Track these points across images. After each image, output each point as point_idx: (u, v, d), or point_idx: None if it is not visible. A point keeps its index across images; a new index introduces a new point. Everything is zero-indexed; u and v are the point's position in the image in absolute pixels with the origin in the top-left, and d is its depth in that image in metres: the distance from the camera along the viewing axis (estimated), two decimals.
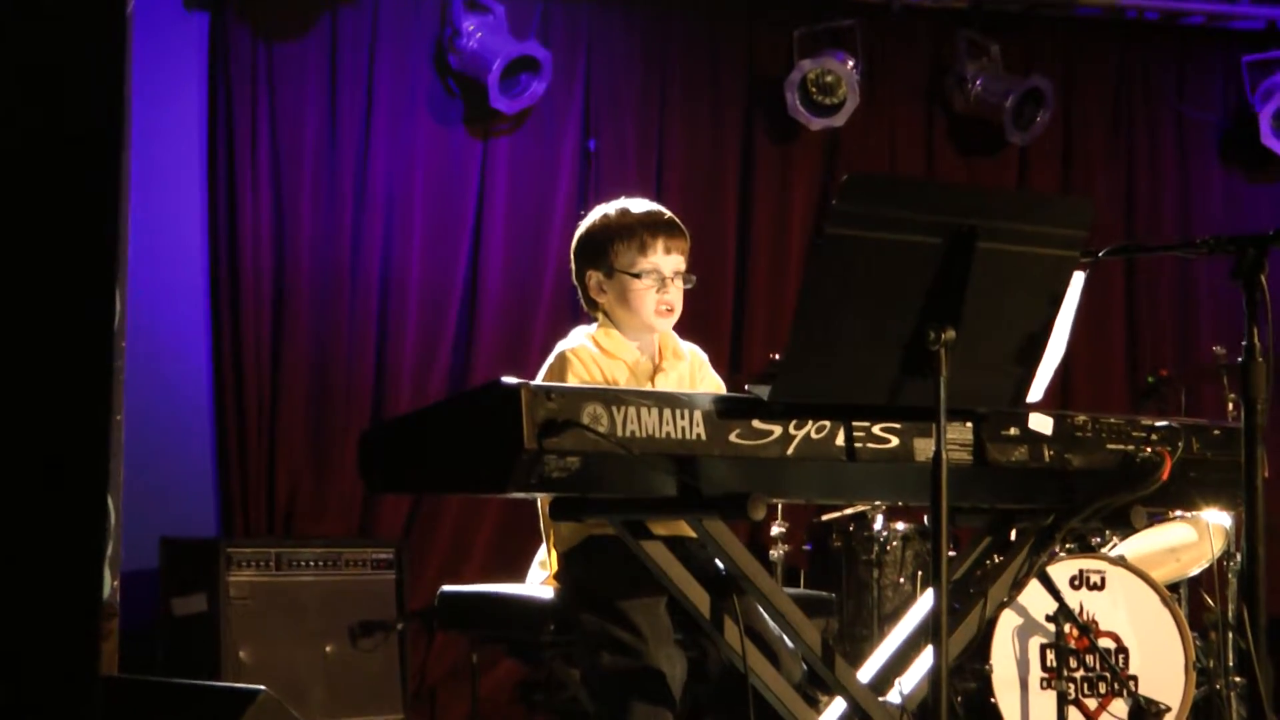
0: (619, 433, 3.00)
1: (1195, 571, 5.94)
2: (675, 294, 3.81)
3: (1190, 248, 3.52)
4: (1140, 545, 5.81)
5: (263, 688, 3.82)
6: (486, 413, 3.00)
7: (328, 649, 6.06)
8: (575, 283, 3.90)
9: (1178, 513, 5.75)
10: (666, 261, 3.80)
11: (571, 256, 3.90)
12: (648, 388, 3.72)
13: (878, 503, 6.14)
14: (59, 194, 2.28)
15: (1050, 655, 5.24)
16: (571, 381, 3.66)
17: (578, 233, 3.90)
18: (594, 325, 3.86)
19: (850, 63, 7.33)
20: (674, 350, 3.89)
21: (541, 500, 3.67)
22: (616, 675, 3.56)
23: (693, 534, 3.48)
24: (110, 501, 5.23)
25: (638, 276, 3.78)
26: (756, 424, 3.13)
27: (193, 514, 6.53)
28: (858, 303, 3.10)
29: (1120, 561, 5.46)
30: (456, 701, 6.71)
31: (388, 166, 6.87)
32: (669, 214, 3.87)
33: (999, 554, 3.74)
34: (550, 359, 3.78)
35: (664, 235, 3.81)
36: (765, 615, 3.55)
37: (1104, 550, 5.61)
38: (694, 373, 3.90)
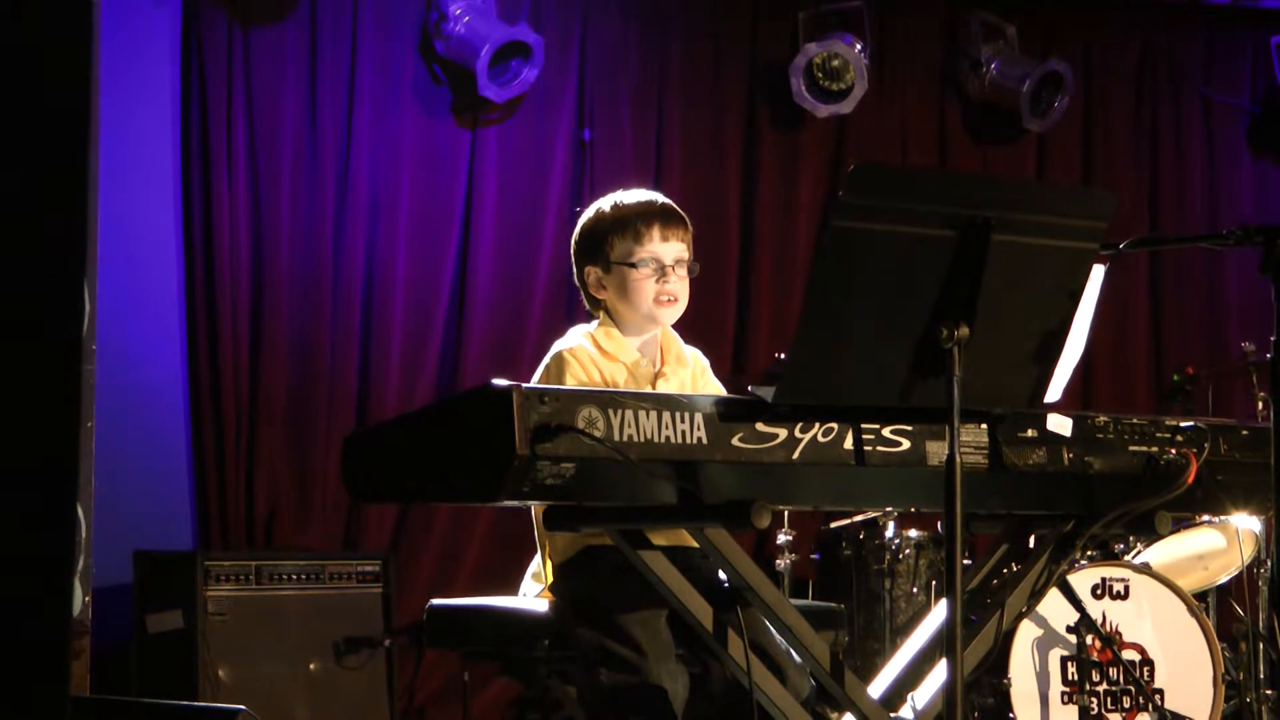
0: (616, 437, 3.01)
1: (1224, 579, 5.95)
2: (677, 284, 3.82)
3: (1217, 239, 3.53)
4: (1166, 552, 5.82)
5: (243, 708, 3.83)
6: (476, 417, 3.00)
7: (311, 667, 6.06)
8: (577, 283, 3.92)
9: (1205, 518, 5.76)
10: (665, 249, 3.81)
11: (571, 256, 3.92)
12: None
13: (889, 509, 6.14)
14: (22, 190, 2.28)
15: (1071, 668, 5.25)
16: (569, 383, 3.67)
17: (575, 231, 3.92)
18: (593, 324, 3.87)
19: (858, 46, 7.33)
20: (677, 355, 3.89)
21: (535, 509, 3.67)
22: (615, 693, 3.56)
23: (694, 543, 3.49)
24: (80, 513, 5.24)
25: (634, 266, 3.79)
26: (760, 427, 3.13)
27: (168, 526, 6.53)
28: (866, 299, 3.10)
29: (1145, 569, 5.47)
30: None
31: (371, 158, 6.87)
32: (665, 200, 3.88)
33: (1016, 562, 3.75)
34: (546, 359, 3.79)
35: (659, 222, 3.82)
36: (771, 628, 3.55)
37: (1127, 558, 5.62)
38: (695, 379, 3.91)
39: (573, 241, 3.92)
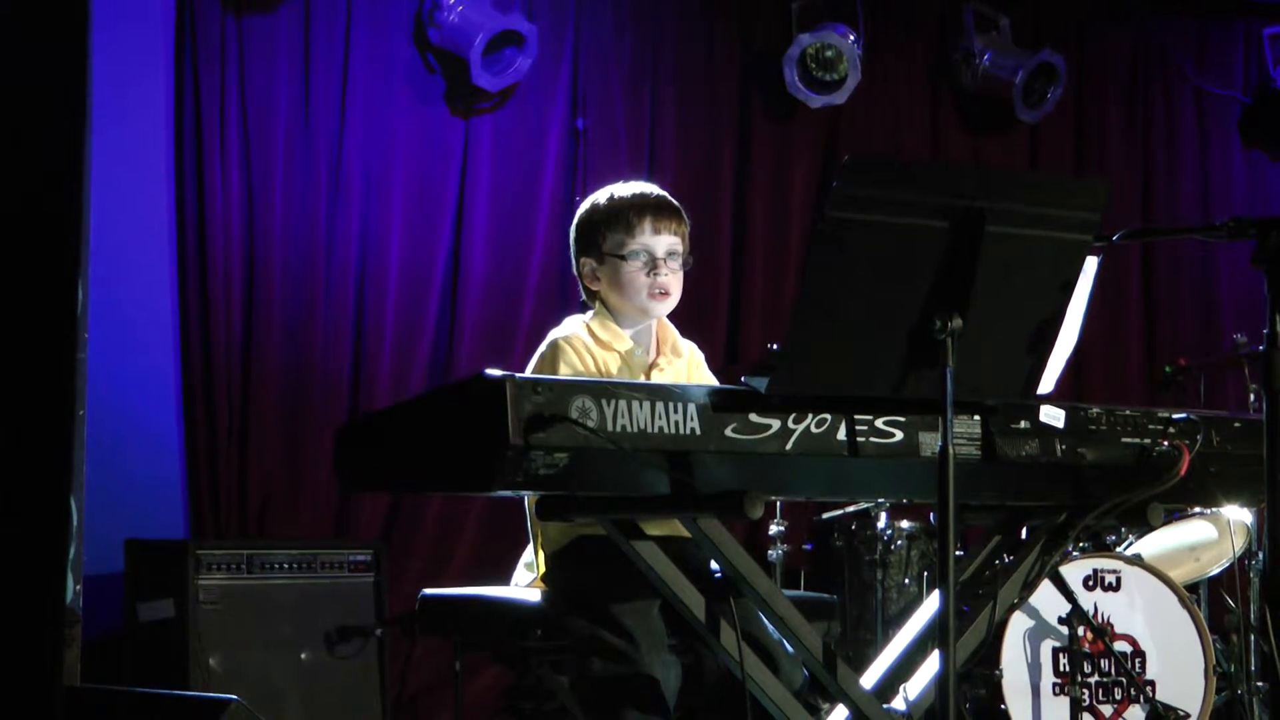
0: (609, 427, 3.01)
1: (1215, 571, 5.96)
2: (669, 276, 3.83)
3: (1209, 231, 3.53)
4: (1157, 544, 5.83)
5: (234, 697, 3.83)
6: (469, 407, 3.00)
7: (303, 656, 6.06)
8: (574, 273, 3.93)
9: (1197, 509, 5.77)
10: (657, 242, 3.82)
11: (569, 247, 3.93)
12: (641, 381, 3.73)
13: (881, 500, 6.14)
14: (17, 177, 2.28)
15: (1063, 659, 5.26)
16: (564, 372, 3.68)
17: (572, 223, 3.93)
18: (589, 313, 3.88)
19: (852, 36, 7.33)
20: (673, 346, 3.90)
21: (528, 499, 3.68)
22: (607, 683, 3.56)
23: (687, 534, 3.49)
24: (73, 502, 5.23)
25: (625, 258, 3.80)
26: (754, 418, 3.13)
27: (160, 515, 6.52)
28: (860, 290, 3.11)
29: (1136, 561, 5.47)
30: (439, 711, 6.72)
31: (364, 147, 6.86)
32: (659, 193, 3.89)
33: (1009, 553, 3.75)
34: (542, 348, 3.80)
35: (651, 215, 3.83)
36: (763, 619, 3.56)
37: (1119, 549, 5.63)
38: (690, 372, 3.91)
39: (571, 234, 3.94)
